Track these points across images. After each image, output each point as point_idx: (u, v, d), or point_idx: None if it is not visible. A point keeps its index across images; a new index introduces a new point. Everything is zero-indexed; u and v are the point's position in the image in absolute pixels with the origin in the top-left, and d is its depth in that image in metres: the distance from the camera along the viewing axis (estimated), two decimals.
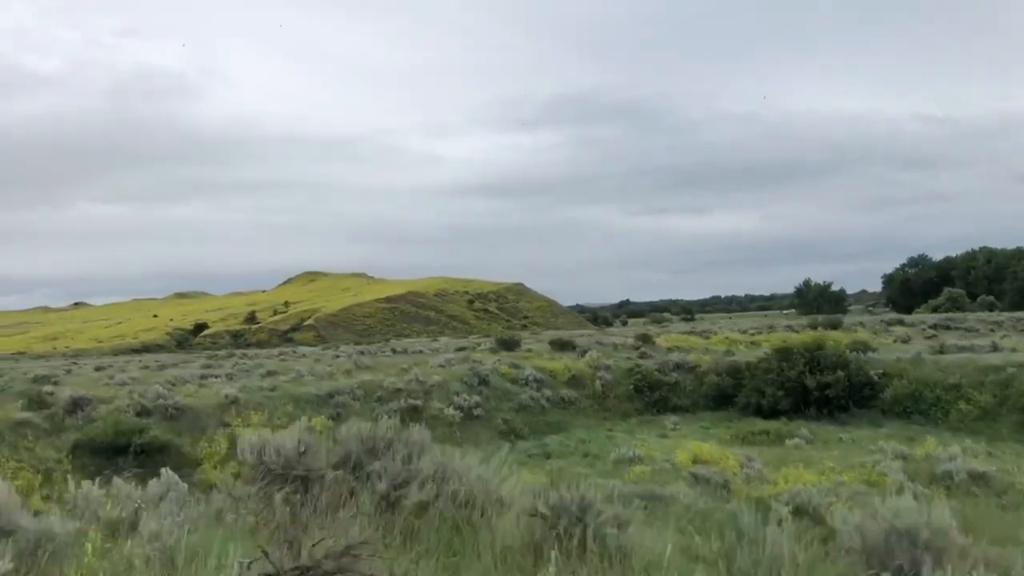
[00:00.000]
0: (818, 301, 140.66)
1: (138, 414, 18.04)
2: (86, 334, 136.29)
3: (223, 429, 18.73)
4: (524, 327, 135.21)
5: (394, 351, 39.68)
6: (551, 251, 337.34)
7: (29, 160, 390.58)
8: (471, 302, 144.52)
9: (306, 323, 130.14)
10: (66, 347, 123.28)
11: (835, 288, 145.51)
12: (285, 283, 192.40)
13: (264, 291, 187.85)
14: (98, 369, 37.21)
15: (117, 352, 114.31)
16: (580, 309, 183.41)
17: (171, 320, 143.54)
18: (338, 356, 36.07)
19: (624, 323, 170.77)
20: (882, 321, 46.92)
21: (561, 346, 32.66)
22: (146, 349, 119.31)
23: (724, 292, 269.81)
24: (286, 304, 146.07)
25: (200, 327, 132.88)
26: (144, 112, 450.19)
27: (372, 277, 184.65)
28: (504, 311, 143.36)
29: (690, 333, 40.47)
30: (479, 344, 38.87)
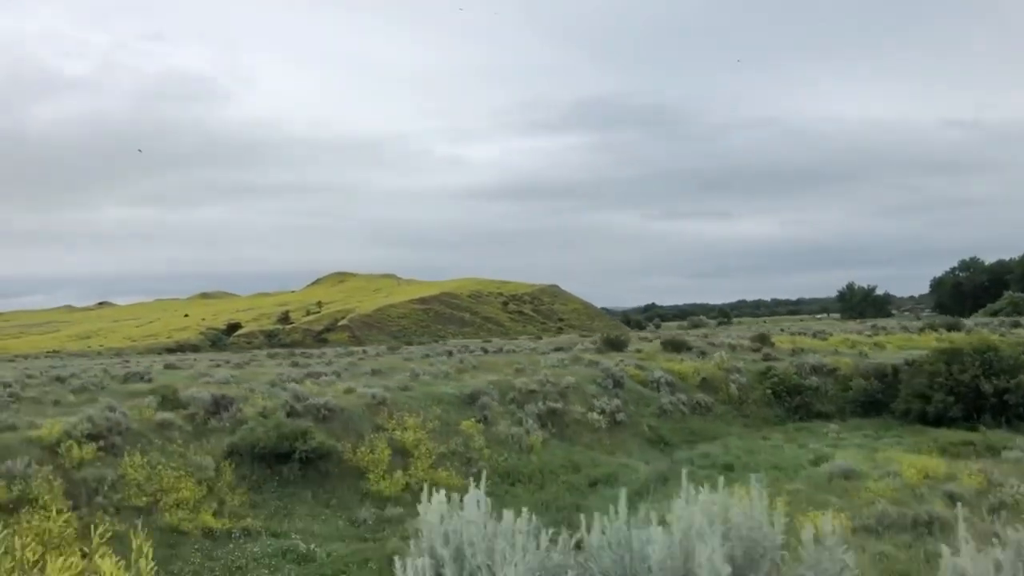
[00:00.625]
0: (862, 305, 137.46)
1: (287, 416, 15.85)
2: (118, 333, 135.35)
3: (378, 433, 16.52)
4: (560, 330, 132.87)
5: (485, 351, 37.42)
6: (573, 255, 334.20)
7: (56, 162, 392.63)
8: (505, 304, 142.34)
9: (340, 323, 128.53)
10: (100, 345, 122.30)
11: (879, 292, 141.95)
12: (315, 283, 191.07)
13: (293, 291, 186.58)
14: (169, 367, 35.29)
15: (151, 351, 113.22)
16: (606, 312, 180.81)
17: (203, 320, 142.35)
18: (410, 356, 33.82)
19: (657, 327, 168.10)
20: (1002, 323, 44.23)
21: (675, 347, 30.29)
22: (180, 348, 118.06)
23: (748, 296, 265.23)
24: (319, 304, 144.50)
25: (233, 327, 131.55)
26: (171, 115, 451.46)
27: (401, 278, 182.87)
28: (539, 313, 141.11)
29: (797, 334, 37.97)
30: (575, 344, 36.53)
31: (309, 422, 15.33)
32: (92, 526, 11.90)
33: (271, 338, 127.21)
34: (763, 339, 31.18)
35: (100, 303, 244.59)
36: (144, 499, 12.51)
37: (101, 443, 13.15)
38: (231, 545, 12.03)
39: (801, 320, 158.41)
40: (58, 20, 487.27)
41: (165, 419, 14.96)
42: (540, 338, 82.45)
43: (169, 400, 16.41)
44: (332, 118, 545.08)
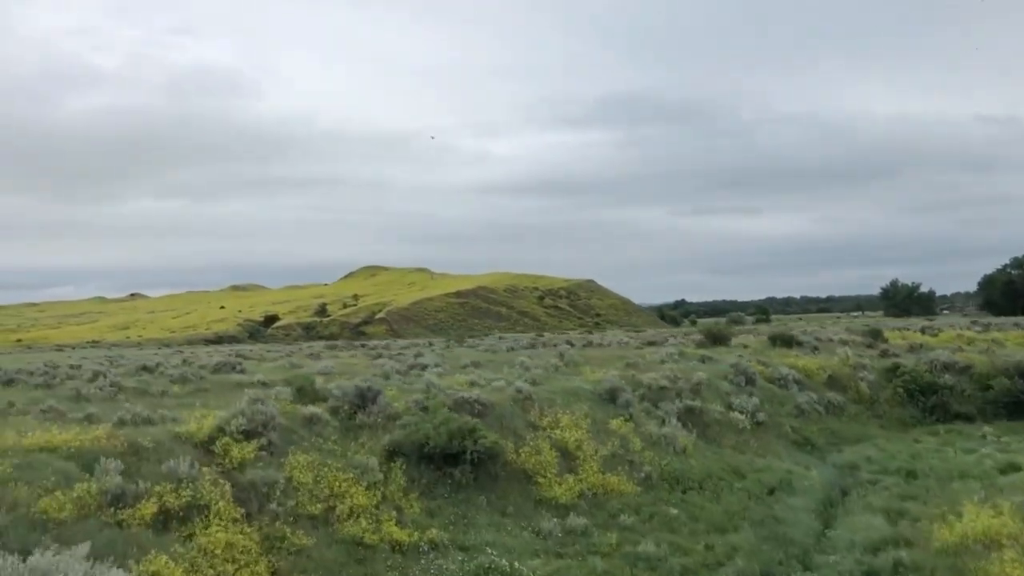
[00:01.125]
0: (906, 302, 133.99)
1: (450, 411, 14.20)
2: (156, 324, 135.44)
3: (536, 432, 14.87)
4: (597, 325, 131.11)
5: (570, 343, 35.71)
6: (599, 250, 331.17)
7: (86, 154, 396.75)
8: (541, 298, 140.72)
9: (377, 316, 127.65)
10: (139, 336, 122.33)
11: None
12: (347, 277, 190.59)
13: (326, 284, 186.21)
14: (242, 357, 33.95)
15: (192, 342, 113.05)
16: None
17: (239, 311, 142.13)
18: (513, 347, 32.17)
19: (693, 323, 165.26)
20: None
21: (785, 341, 28.40)
22: (219, 340, 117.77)
23: (777, 293, 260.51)
24: (355, 297, 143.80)
25: (271, 319, 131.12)
26: (199, 109, 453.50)
27: (434, 272, 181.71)
28: (576, 308, 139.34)
29: (902, 329, 35.86)
30: (666, 338, 34.68)
31: (467, 418, 13.68)
32: (272, 538, 10.40)
33: (309, 330, 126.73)
34: (876, 334, 29.20)
35: (132, 294, 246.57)
36: (318, 506, 10.93)
37: (261, 441, 11.58)
38: (423, 561, 10.43)
39: (838, 318, 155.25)
40: (90, 14, 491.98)
41: (312, 413, 13.39)
42: (592, 332, 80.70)
43: (306, 392, 14.88)
44: (359, 113, 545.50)
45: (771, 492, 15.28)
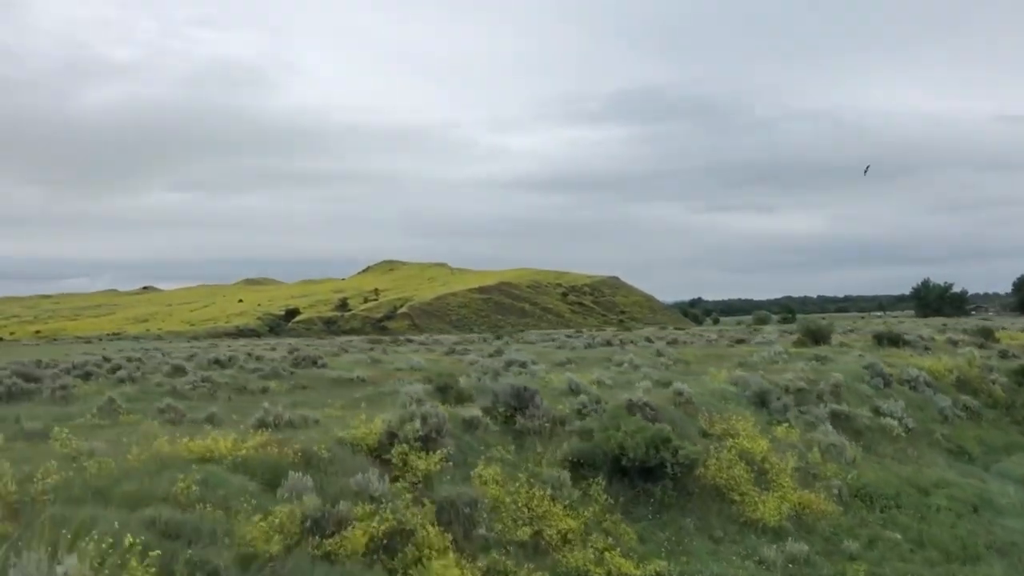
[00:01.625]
0: (938, 302, 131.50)
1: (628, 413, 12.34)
2: (174, 317, 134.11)
3: (715, 442, 13.00)
4: (621, 322, 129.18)
5: (649, 339, 33.82)
6: (613, 247, 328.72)
7: (101, 147, 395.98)
8: (565, 295, 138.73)
9: (400, 311, 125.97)
10: (159, 329, 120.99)
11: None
12: (364, 271, 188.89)
13: (342, 279, 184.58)
14: (337, 354, 32.19)
15: (214, 335, 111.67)
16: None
17: (258, 305, 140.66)
18: (591, 344, 30.32)
19: (716, 321, 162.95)
20: None
21: (892, 340, 26.45)
22: (241, 333, 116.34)
23: (793, 292, 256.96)
24: (375, 292, 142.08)
25: (292, 313, 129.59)
26: (217, 102, 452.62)
27: (453, 267, 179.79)
28: (600, 305, 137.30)
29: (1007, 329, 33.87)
30: (753, 335, 32.78)
31: (660, 425, 11.81)
32: (495, 572, 8.58)
33: (330, 325, 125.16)
34: (987, 334, 27.26)
35: (145, 287, 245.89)
36: (525, 530, 9.12)
37: (442, 451, 9.75)
38: None
39: (862, 317, 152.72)
40: (108, 6, 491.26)
41: (472, 416, 11.58)
42: (628, 329, 78.73)
43: (450, 391, 13.06)
44: (375, 107, 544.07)
45: (975, 511, 13.40)
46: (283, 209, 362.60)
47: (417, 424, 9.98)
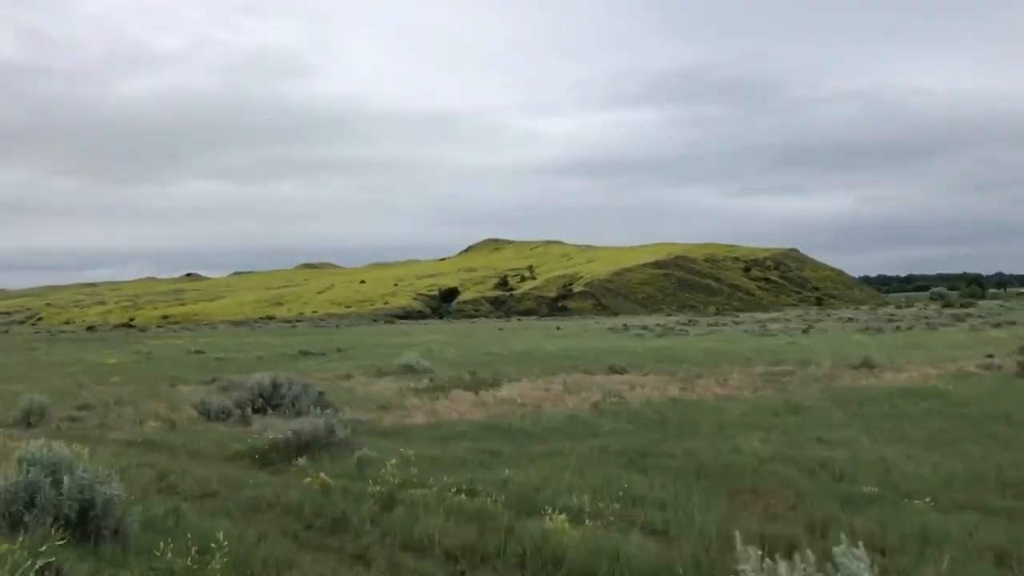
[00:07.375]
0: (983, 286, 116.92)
1: None
2: (324, 296, 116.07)
3: None
4: (819, 300, 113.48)
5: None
6: (652, 230, 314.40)
7: (140, 135, 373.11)
8: (747, 269, 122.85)
9: (578, 290, 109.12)
10: (300, 313, 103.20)
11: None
12: (467, 251, 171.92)
13: (443, 259, 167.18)
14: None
15: (377, 318, 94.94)
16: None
17: (395, 284, 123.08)
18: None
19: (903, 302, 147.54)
20: None
21: None
22: (407, 315, 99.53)
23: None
24: (530, 269, 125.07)
25: (449, 293, 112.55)
26: (256, 90, 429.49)
27: (566, 243, 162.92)
28: (788, 280, 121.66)
29: None
30: None
31: None
32: None
33: (499, 305, 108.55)
34: None
35: (188, 274, 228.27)
36: None
37: None
38: None
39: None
40: None
41: None
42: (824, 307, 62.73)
43: None
44: (411, 93, 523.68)
45: None
46: (320, 196, 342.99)
47: None
